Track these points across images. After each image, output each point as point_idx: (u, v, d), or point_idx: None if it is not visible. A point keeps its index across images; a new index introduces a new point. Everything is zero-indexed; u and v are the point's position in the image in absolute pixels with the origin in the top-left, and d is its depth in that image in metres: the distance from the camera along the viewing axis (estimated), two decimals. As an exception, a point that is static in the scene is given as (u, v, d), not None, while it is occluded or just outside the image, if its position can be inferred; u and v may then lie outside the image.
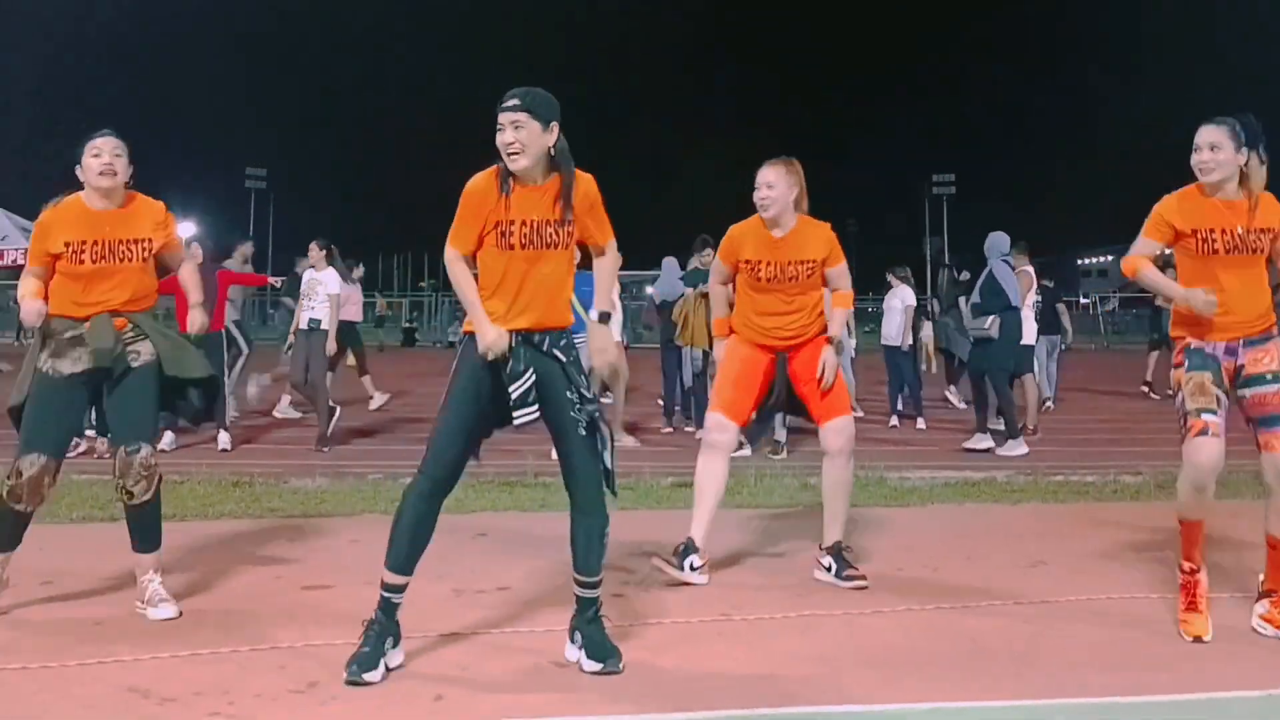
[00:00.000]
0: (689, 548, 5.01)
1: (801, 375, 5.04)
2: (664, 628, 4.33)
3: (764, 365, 5.05)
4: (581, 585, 3.85)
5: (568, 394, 3.77)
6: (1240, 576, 4.99)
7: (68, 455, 8.23)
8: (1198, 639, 4.10)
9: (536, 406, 3.74)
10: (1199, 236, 4.16)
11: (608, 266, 4.06)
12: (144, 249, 4.38)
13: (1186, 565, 4.29)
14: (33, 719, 3.31)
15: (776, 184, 4.95)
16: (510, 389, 3.71)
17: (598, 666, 3.71)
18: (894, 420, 11.67)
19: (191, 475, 7.56)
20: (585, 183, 3.86)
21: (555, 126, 3.73)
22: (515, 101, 3.67)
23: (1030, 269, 10.93)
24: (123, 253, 4.33)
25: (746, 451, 9.35)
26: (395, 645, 3.76)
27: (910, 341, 12.02)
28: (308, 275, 9.96)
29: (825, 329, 5.12)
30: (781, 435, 9.41)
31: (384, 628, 3.73)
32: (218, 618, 4.38)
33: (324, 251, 9.98)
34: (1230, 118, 4.16)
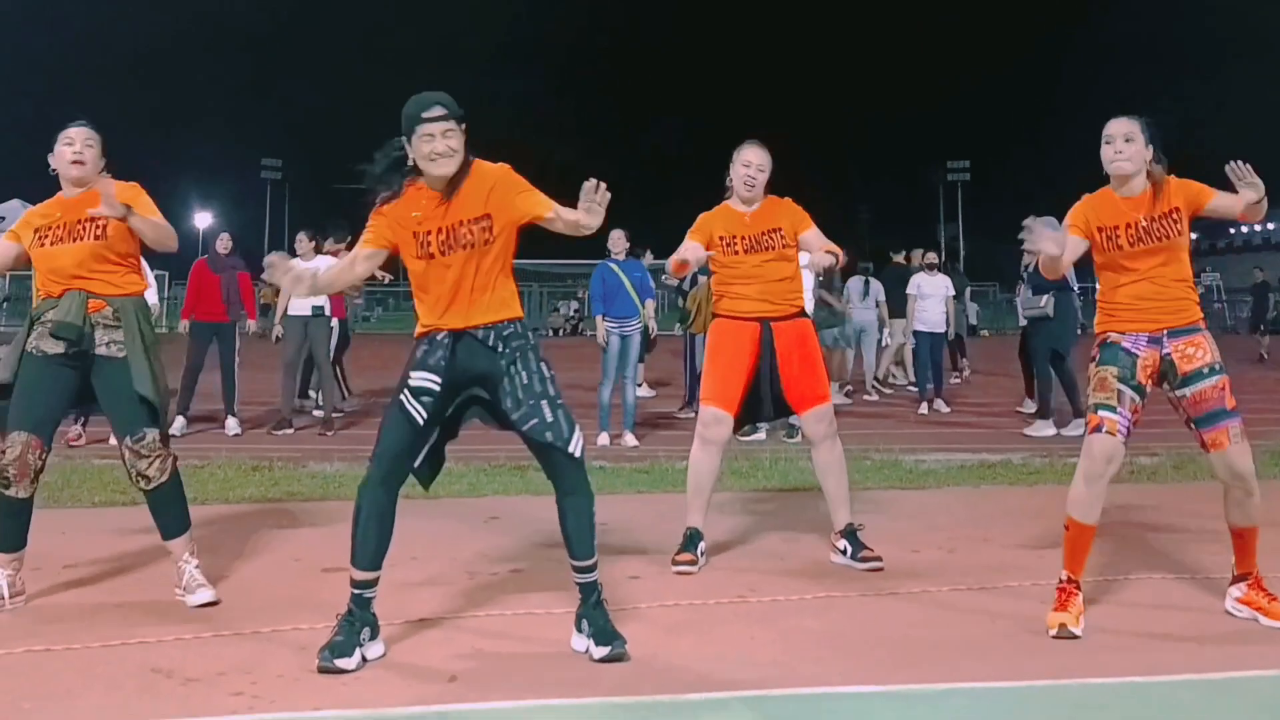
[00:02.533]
0: (697, 535, 5.05)
1: (784, 359, 5.05)
2: (681, 609, 4.35)
3: (750, 346, 5.05)
4: (579, 571, 3.84)
5: (504, 397, 3.75)
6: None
7: (75, 445, 8.36)
8: (1063, 627, 3.97)
9: (424, 414, 3.71)
10: (1103, 234, 4.10)
11: (567, 216, 3.81)
12: (97, 227, 4.35)
13: (1065, 575, 4.13)
14: (58, 700, 3.35)
15: (765, 165, 5.12)
16: (412, 378, 3.73)
17: (605, 652, 3.70)
18: (924, 407, 11.56)
19: (211, 460, 7.63)
20: (492, 174, 3.83)
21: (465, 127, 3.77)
22: (442, 110, 3.68)
23: None
24: (78, 231, 4.35)
25: (761, 436, 9.39)
26: (374, 636, 3.74)
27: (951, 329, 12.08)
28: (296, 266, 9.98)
29: (803, 310, 5.21)
30: (795, 419, 9.38)
31: (359, 619, 3.71)
32: (239, 599, 4.42)
33: (313, 243, 10.10)
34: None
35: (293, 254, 10.23)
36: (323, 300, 9.84)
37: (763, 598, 4.51)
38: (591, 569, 3.84)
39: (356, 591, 3.73)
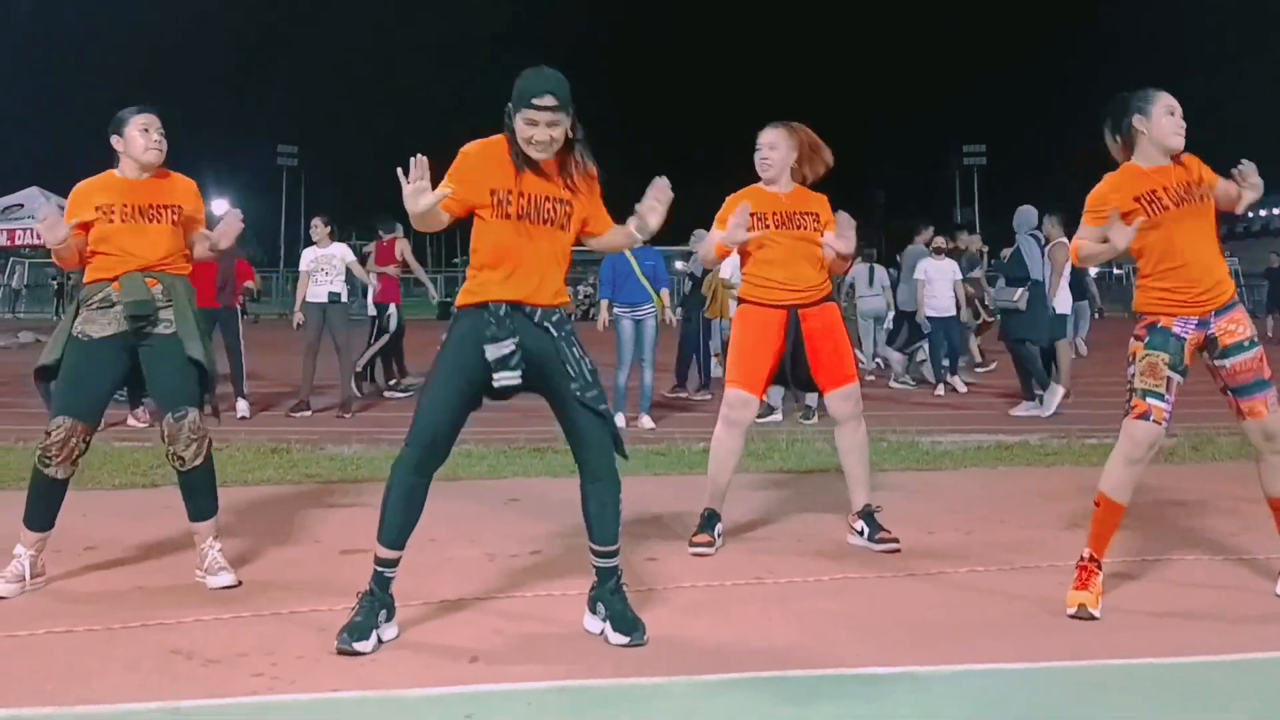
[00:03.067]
0: (714, 517, 5.05)
1: (812, 342, 5.03)
2: (697, 591, 4.36)
3: (777, 330, 5.03)
4: (599, 556, 3.82)
5: (563, 366, 3.71)
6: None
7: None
8: (1082, 607, 3.96)
9: (518, 372, 3.65)
10: (1144, 200, 4.06)
11: (611, 235, 4.02)
12: (174, 213, 4.47)
13: (1088, 553, 4.11)
14: (78, 681, 3.37)
15: (778, 145, 5.07)
16: (488, 350, 3.63)
17: (624, 640, 3.69)
18: (940, 389, 11.59)
19: (230, 442, 7.66)
20: (589, 171, 3.86)
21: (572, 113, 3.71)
22: (554, 101, 3.62)
23: (1066, 240, 10.90)
24: (153, 214, 4.41)
25: (778, 417, 9.40)
26: (389, 619, 3.73)
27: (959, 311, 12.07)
28: (313, 253, 10.14)
29: (830, 295, 5.17)
30: (812, 400, 9.41)
31: (378, 600, 3.69)
32: (258, 581, 4.44)
33: (329, 229, 10.21)
34: None
35: (309, 241, 10.36)
36: (339, 287, 9.97)
37: (779, 579, 4.51)
38: (613, 554, 3.83)
39: (379, 570, 3.71)
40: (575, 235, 3.91)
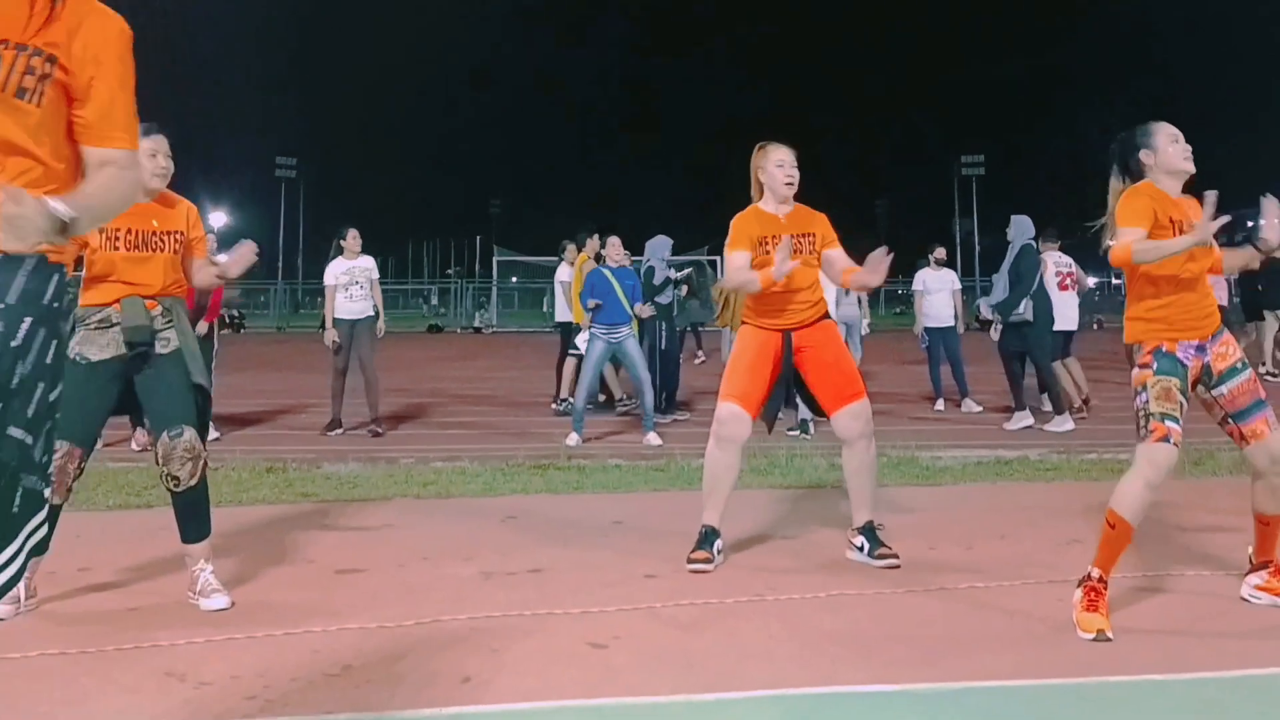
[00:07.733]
0: (713, 533, 5.02)
1: (810, 364, 5.02)
2: (697, 608, 4.32)
3: (774, 351, 5.03)
4: None
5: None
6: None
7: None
8: (1100, 633, 3.89)
9: None
10: (1176, 226, 4.07)
11: (103, 179, 2.25)
12: (177, 240, 4.47)
13: (1096, 573, 4.06)
14: (73, 703, 3.34)
15: (796, 165, 5.12)
16: None
17: None
18: (940, 403, 11.55)
19: (226, 461, 7.63)
20: (100, 14, 2.28)
21: None
22: None
23: (1050, 255, 10.93)
24: (157, 243, 4.40)
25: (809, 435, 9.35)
26: None
27: (960, 323, 11.96)
28: (343, 264, 9.79)
29: (827, 314, 5.16)
30: (808, 415, 9.38)
31: None
32: (252, 602, 4.40)
33: (360, 241, 9.91)
34: None
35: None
36: (375, 299, 9.78)
37: (779, 595, 4.48)
38: None
39: None
40: (57, 108, 2.22)
